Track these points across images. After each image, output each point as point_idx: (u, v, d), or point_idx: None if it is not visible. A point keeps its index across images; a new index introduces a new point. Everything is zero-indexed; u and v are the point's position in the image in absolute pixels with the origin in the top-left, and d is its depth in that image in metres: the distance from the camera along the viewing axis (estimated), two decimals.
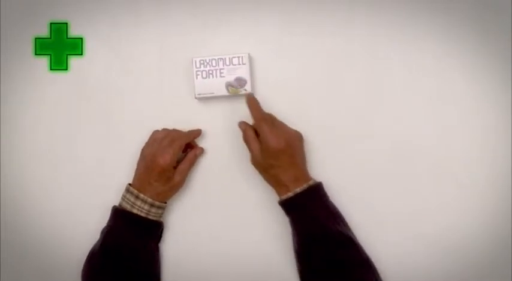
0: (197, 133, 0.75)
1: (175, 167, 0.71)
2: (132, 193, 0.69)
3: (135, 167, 0.74)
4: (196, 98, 0.74)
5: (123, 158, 0.76)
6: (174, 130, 0.73)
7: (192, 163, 0.74)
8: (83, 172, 0.77)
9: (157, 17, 0.77)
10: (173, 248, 0.75)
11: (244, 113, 0.75)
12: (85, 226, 0.75)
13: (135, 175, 0.72)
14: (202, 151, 0.75)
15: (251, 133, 0.70)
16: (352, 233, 0.68)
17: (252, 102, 0.70)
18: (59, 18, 0.77)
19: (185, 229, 0.75)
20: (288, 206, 0.68)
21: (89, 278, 0.68)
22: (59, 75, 0.78)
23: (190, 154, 0.73)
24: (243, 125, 0.71)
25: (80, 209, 0.76)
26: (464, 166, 0.73)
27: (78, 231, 0.76)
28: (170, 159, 0.68)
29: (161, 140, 0.71)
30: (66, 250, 0.76)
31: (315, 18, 0.76)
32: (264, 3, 0.76)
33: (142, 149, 0.72)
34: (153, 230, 0.72)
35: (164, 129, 0.73)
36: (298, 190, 0.66)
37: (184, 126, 0.76)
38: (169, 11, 0.77)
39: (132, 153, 0.76)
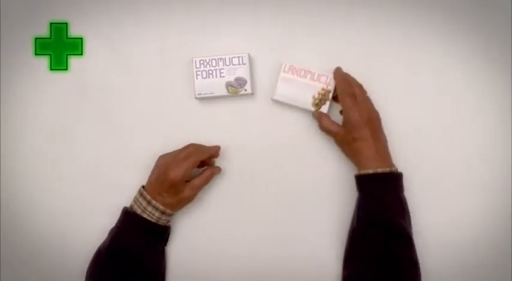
0: (216, 151, 0.73)
1: (187, 181, 0.70)
2: (144, 198, 0.69)
3: (134, 167, 0.74)
4: (196, 98, 0.74)
5: (123, 158, 0.76)
6: (194, 144, 0.71)
7: (207, 180, 0.72)
8: (83, 172, 0.77)
9: (158, 17, 0.77)
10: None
11: (244, 113, 0.76)
12: (85, 226, 0.75)
13: (148, 180, 0.71)
14: (219, 170, 0.74)
15: (327, 120, 0.70)
16: (412, 234, 0.67)
17: (340, 75, 0.70)
18: (59, 18, 0.77)
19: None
20: (365, 182, 0.67)
21: (93, 276, 0.68)
22: (59, 75, 0.78)
23: (207, 172, 0.71)
24: (316, 114, 0.72)
25: (79, 209, 0.76)
26: (464, 166, 0.74)
27: (77, 231, 0.76)
28: (182, 174, 0.67)
29: (179, 152, 0.70)
30: (66, 250, 0.76)
31: (315, 18, 0.76)
32: (264, 3, 0.76)
33: (159, 157, 0.71)
34: (161, 235, 0.72)
35: (189, 145, 0.71)
36: (379, 170, 0.65)
37: (185, 126, 0.76)
38: (169, 11, 0.77)
39: (131, 153, 0.76)
